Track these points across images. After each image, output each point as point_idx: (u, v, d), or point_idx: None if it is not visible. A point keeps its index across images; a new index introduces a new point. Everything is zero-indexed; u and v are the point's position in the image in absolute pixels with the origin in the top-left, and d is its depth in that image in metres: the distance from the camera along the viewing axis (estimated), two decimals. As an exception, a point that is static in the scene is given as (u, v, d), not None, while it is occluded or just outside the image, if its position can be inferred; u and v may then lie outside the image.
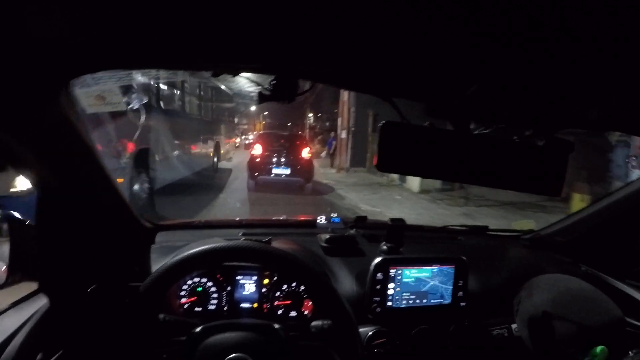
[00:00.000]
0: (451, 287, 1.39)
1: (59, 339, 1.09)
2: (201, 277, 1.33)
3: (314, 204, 9.36)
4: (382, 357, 1.29)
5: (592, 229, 1.68)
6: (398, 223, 1.45)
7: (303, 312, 1.36)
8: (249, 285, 1.35)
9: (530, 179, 0.91)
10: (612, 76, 0.69)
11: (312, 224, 1.68)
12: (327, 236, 1.55)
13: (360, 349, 1.02)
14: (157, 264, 1.30)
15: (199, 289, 1.33)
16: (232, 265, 1.35)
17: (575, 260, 1.66)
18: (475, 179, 0.90)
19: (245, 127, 33.75)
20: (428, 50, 0.62)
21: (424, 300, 1.37)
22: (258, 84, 0.79)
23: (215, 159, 12.17)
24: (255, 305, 1.35)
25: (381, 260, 1.32)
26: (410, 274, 1.34)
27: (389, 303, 1.33)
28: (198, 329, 1.00)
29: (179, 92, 8.33)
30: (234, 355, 0.95)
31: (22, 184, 3.21)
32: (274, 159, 10.13)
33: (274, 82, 0.76)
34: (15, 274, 1.10)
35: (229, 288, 1.34)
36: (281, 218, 1.96)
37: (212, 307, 1.33)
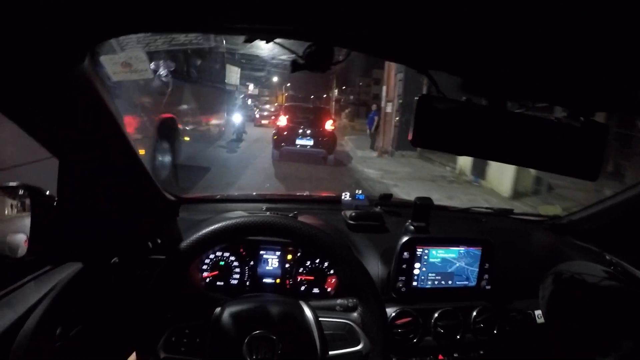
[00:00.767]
0: (477, 270, 1.38)
1: (79, 313, 1.11)
2: (224, 251, 1.35)
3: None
4: (405, 336, 1.30)
5: (620, 218, 1.63)
6: (425, 202, 1.44)
7: (326, 289, 1.37)
8: (272, 261, 1.36)
9: (566, 161, 0.89)
10: None
11: (337, 200, 1.68)
12: (352, 213, 1.54)
13: (385, 328, 1.03)
14: (180, 237, 1.33)
15: (222, 263, 1.35)
16: (256, 240, 1.36)
17: (601, 249, 1.62)
18: (510, 157, 0.88)
19: (267, 98, 32.95)
20: (469, 21, 0.59)
21: (449, 282, 1.36)
22: (292, 51, 0.77)
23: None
24: (278, 280, 1.36)
25: (408, 239, 1.31)
26: (437, 254, 1.33)
27: (414, 283, 1.33)
28: (221, 306, 1.01)
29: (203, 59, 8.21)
30: (258, 332, 0.96)
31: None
32: (299, 131, 10.59)
33: (309, 49, 0.75)
34: (36, 246, 1.12)
35: (252, 263, 1.36)
36: (305, 194, 1.96)
37: (235, 282, 1.35)
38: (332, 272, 1.37)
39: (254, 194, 1.87)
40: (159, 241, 1.32)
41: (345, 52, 0.80)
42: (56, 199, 1.13)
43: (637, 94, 0.83)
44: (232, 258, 1.35)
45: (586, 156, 0.88)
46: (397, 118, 14.00)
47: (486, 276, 1.39)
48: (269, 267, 1.36)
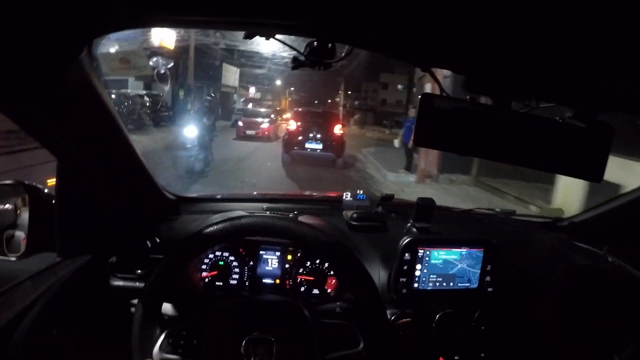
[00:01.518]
0: (479, 271, 1.37)
1: (75, 313, 1.11)
2: (223, 251, 1.35)
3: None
4: (405, 338, 1.30)
5: (623, 220, 1.63)
6: (427, 202, 1.44)
7: (326, 289, 1.37)
8: (272, 261, 1.36)
9: (570, 162, 0.89)
10: None
11: (338, 200, 1.68)
12: (354, 213, 1.54)
13: (385, 330, 1.03)
14: (180, 236, 1.32)
15: (221, 263, 1.35)
16: (256, 240, 1.36)
17: (603, 250, 1.62)
18: (514, 158, 0.88)
19: (270, 102, 31.62)
20: (473, 19, 0.60)
21: (451, 284, 1.36)
22: (293, 48, 0.77)
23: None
24: (278, 281, 1.36)
25: (410, 240, 1.31)
26: (439, 255, 1.33)
27: (415, 285, 1.33)
28: (219, 306, 1.01)
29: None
30: (256, 334, 0.96)
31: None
32: (308, 134, 11.17)
33: (311, 46, 0.75)
34: (34, 244, 1.12)
35: (251, 263, 1.36)
36: (306, 193, 1.96)
37: (234, 282, 1.35)
38: (332, 273, 1.37)
39: (254, 193, 1.86)
40: (158, 240, 1.32)
41: (347, 49, 0.80)
42: (55, 197, 1.14)
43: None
44: (232, 258, 1.35)
45: (591, 157, 0.89)
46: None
47: (488, 278, 1.38)
48: (268, 268, 1.36)
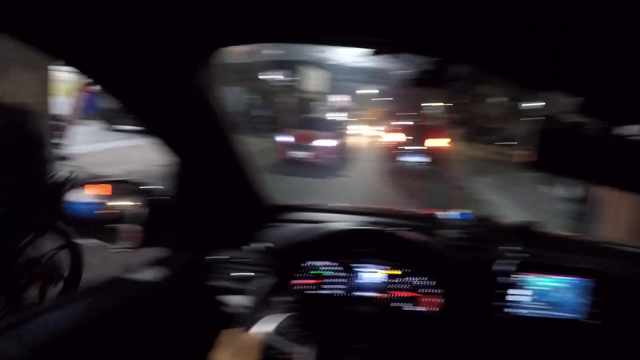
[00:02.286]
0: (587, 302, 1.32)
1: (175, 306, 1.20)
2: (322, 260, 1.37)
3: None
4: None
5: None
6: (528, 225, 1.40)
7: (427, 308, 1.36)
8: (373, 274, 1.37)
9: None
10: None
11: (435, 218, 1.68)
12: (452, 232, 1.54)
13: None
14: (290, 244, 1.37)
15: (316, 272, 1.36)
16: (358, 252, 1.37)
17: None
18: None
19: (360, 112, 31.02)
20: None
21: (551, 311, 1.32)
22: (417, 68, 0.81)
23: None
24: (377, 295, 1.36)
25: (505, 263, 1.30)
26: (544, 282, 1.31)
27: (517, 310, 1.31)
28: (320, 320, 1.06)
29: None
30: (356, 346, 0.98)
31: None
32: (408, 146, 11.63)
33: (432, 65, 0.78)
34: (149, 238, 1.24)
35: (351, 274, 1.37)
36: (403, 209, 1.94)
37: (330, 292, 1.37)
38: (430, 291, 1.36)
39: (349, 205, 1.89)
40: (264, 245, 1.37)
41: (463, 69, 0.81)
42: (172, 196, 1.26)
43: None
44: (330, 268, 1.37)
45: None
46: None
47: (597, 311, 1.32)
48: (366, 280, 1.37)
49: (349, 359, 0.97)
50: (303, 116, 15.15)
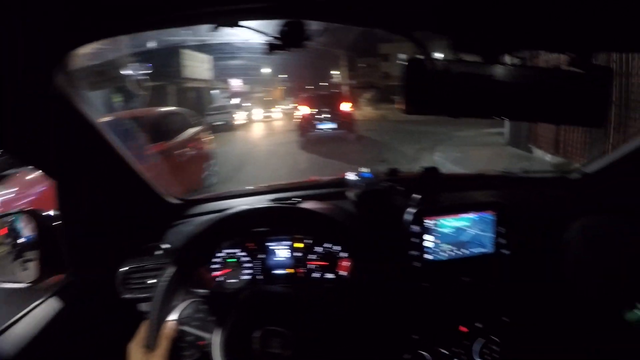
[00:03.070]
0: (493, 235, 1.38)
1: (91, 331, 1.16)
2: (232, 247, 1.36)
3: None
4: (423, 312, 1.31)
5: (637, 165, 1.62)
6: (431, 172, 1.43)
7: (340, 273, 1.38)
8: (282, 251, 1.37)
9: (571, 110, 0.88)
10: None
11: (343, 181, 1.68)
12: (358, 192, 1.54)
13: (399, 306, 1.03)
14: (188, 239, 1.34)
15: (231, 260, 1.36)
16: (263, 232, 1.36)
17: (620, 200, 1.61)
18: (513, 113, 0.87)
19: (261, 94, 30.67)
20: None
21: (465, 251, 1.37)
22: (265, 33, 0.77)
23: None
24: (291, 270, 1.37)
25: (415, 211, 1.32)
26: (448, 223, 1.34)
27: (428, 256, 1.34)
28: (227, 304, 1.02)
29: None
30: (268, 326, 0.96)
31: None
32: (319, 116, 12.59)
33: (283, 28, 0.74)
34: (46, 269, 1.17)
35: (261, 256, 1.37)
36: (312, 179, 1.96)
37: (246, 277, 1.36)
38: (344, 255, 1.37)
39: (261, 186, 1.87)
40: (166, 247, 1.35)
41: (324, 25, 0.79)
42: (58, 219, 1.17)
43: (635, 29, 0.82)
44: (242, 253, 1.36)
45: (592, 102, 0.88)
46: None
47: (503, 241, 1.39)
48: (279, 258, 1.37)
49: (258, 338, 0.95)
50: (217, 105, 18.26)
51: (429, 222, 1.33)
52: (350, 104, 13.36)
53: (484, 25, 0.79)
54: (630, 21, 0.77)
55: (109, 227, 1.25)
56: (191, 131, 7.26)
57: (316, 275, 1.37)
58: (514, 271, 1.40)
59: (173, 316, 0.98)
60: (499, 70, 0.83)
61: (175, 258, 1.01)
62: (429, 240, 1.33)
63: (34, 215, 1.19)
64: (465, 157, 9.13)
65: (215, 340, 0.97)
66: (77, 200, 1.16)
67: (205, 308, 1.01)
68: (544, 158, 8.78)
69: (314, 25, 0.80)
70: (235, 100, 22.72)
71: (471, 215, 1.36)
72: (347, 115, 12.87)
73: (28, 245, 1.18)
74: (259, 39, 0.79)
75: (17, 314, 1.10)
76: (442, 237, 1.34)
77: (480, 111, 0.84)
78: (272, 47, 0.76)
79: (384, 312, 1.03)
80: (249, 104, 26.27)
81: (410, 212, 1.32)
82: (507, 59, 0.86)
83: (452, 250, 1.36)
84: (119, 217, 1.27)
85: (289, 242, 1.37)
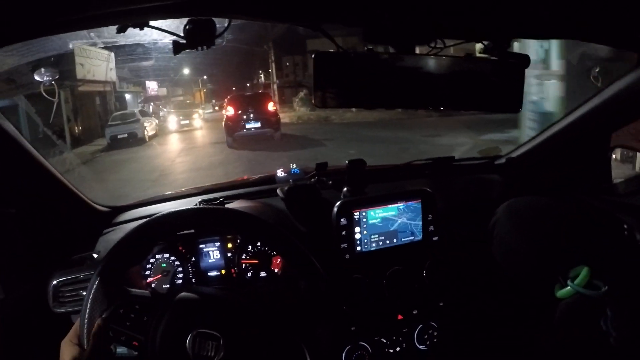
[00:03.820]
0: (420, 223, 1.43)
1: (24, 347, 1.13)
2: (162, 252, 1.34)
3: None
4: (358, 303, 1.34)
5: (560, 149, 1.73)
6: (358, 164, 1.46)
7: (273, 270, 1.39)
8: (213, 252, 1.37)
9: (487, 97, 0.92)
10: None
11: (272, 179, 1.69)
12: (286, 188, 1.56)
13: (333, 301, 1.05)
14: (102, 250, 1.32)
15: (164, 265, 1.34)
16: (192, 235, 1.35)
17: (546, 181, 1.72)
18: (428, 102, 0.89)
19: (181, 98, 29.12)
20: None
21: (394, 240, 1.41)
22: (172, 33, 0.75)
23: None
24: (223, 271, 1.37)
25: (342, 203, 1.35)
26: (376, 214, 1.38)
27: (358, 248, 1.37)
28: (161, 307, 1.00)
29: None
30: (200, 329, 0.95)
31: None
32: (245, 116, 13.04)
33: (188, 26, 0.73)
34: None
35: (193, 259, 1.36)
36: (244, 177, 1.95)
37: (180, 281, 1.35)
38: (275, 252, 1.38)
39: (190, 188, 1.84)
40: (96, 256, 1.32)
41: (228, 21, 0.78)
42: None
43: (545, 15, 0.86)
44: (173, 258, 1.35)
45: (508, 88, 0.92)
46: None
47: (431, 228, 1.44)
48: (211, 260, 1.38)
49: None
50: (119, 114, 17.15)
51: (357, 214, 1.36)
52: (273, 104, 13.97)
53: (396, 15, 0.81)
54: (543, 8, 0.81)
55: (34, 238, 1.21)
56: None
57: (249, 274, 1.38)
58: (445, 256, 1.46)
59: (105, 314, 0.95)
60: (412, 60, 0.85)
61: (100, 268, 0.97)
62: (358, 232, 1.36)
63: None
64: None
65: (149, 341, 0.95)
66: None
67: (138, 309, 0.98)
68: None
69: (225, 23, 0.79)
70: (148, 106, 20.86)
71: (398, 205, 1.40)
72: (272, 114, 13.47)
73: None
74: (167, 40, 0.78)
75: None
76: (371, 228, 1.37)
77: (392, 101, 0.86)
78: (177, 47, 0.75)
79: (319, 307, 1.04)
80: (166, 110, 24.15)
81: (337, 205, 1.35)
82: (421, 48, 0.89)
83: (381, 240, 1.39)
84: (45, 227, 1.24)
85: (219, 243, 1.37)
